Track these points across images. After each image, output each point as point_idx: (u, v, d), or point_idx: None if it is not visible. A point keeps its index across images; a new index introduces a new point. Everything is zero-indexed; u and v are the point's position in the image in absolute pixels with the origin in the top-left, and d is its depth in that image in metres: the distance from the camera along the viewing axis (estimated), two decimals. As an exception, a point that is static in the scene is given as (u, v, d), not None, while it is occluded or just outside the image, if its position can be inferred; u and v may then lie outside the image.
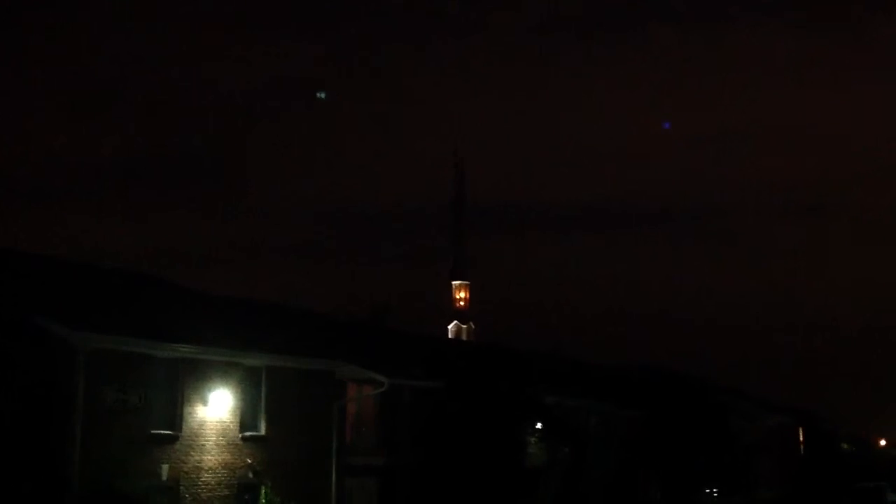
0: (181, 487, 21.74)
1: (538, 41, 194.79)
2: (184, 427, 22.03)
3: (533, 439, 32.34)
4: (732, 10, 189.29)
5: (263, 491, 23.62)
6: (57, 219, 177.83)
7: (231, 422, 23.26)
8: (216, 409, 22.79)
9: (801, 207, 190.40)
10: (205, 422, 22.55)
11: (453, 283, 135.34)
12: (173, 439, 21.76)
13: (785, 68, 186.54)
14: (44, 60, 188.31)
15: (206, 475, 22.45)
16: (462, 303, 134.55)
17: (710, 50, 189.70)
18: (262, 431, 24.22)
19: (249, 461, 23.55)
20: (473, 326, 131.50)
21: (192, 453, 22.18)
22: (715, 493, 43.46)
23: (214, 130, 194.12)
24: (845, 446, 65.09)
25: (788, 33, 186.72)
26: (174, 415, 21.92)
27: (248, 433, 23.74)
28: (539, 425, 32.76)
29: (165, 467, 21.41)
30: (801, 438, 59.51)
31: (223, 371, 23.13)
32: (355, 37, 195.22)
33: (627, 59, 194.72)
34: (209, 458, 22.57)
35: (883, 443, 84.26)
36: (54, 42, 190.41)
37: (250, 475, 23.51)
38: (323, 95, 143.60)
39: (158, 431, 21.45)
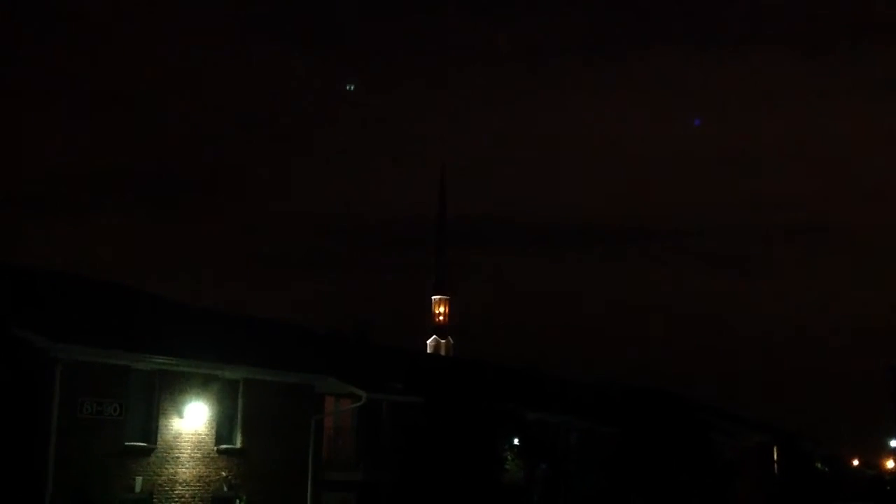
0: (155, 500, 21.58)
1: (532, 59, 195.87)
2: (159, 439, 21.89)
3: (510, 456, 32.28)
4: (734, 35, 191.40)
5: (238, 504, 23.47)
6: (44, 229, 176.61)
7: (207, 434, 23.12)
8: (192, 421, 22.65)
9: (792, 228, 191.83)
10: (180, 434, 22.40)
11: (433, 297, 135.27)
12: (148, 451, 21.60)
13: (784, 92, 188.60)
14: (40, 68, 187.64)
15: (180, 488, 22.28)
16: (441, 317, 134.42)
17: (708, 73, 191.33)
18: (238, 444, 24.08)
19: (225, 474, 23.39)
20: (452, 341, 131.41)
21: (167, 466, 22.02)
22: None
23: (192, 144, 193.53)
24: (820, 466, 65.36)
25: (788, 58, 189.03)
26: (150, 427, 21.78)
27: (223, 446, 23.60)
28: (517, 441, 32.71)
29: (140, 479, 21.24)
30: (776, 458, 59.71)
31: (200, 383, 23.01)
32: (350, 51, 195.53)
33: (624, 80, 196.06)
34: (184, 470, 22.41)
35: (856, 463, 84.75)
36: (51, 50, 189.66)
37: (225, 489, 23.35)
38: (352, 87, 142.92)
39: (133, 443, 21.30)
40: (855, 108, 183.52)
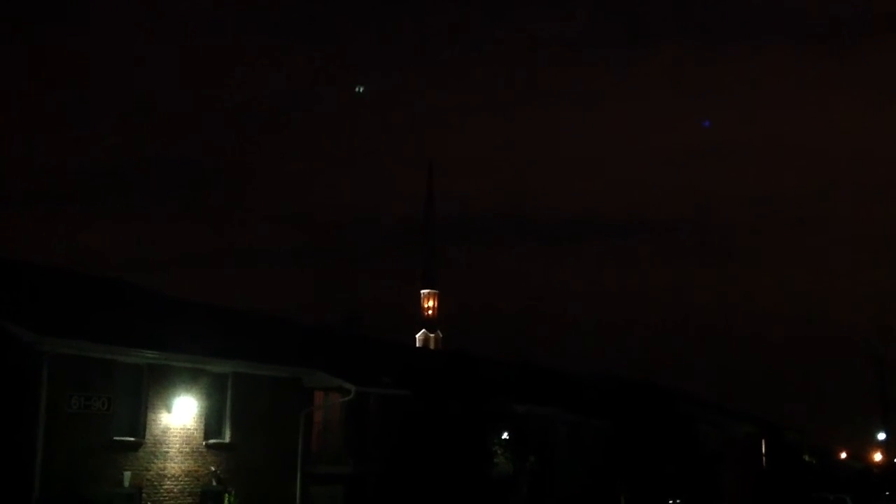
0: (143, 495, 21.54)
1: (525, 56, 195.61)
2: (147, 434, 21.84)
3: (499, 449, 32.35)
4: (734, 31, 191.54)
5: (227, 499, 23.45)
6: (40, 223, 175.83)
7: (195, 429, 23.08)
8: (180, 415, 22.61)
9: (784, 219, 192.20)
10: (169, 428, 22.35)
11: (422, 291, 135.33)
12: (137, 446, 21.55)
13: (775, 85, 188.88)
14: (43, 66, 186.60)
15: (169, 482, 22.25)
16: (430, 311, 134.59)
17: (708, 69, 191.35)
18: (227, 439, 24.05)
19: (213, 469, 23.36)
20: (441, 335, 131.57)
21: (156, 460, 21.98)
22: (678, 503, 43.70)
23: (187, 139, 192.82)
24: (807, 458, 65.72)
25: (781, 52, 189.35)
26: (138, 421, 21.73)
27: (212, 440, 23.57)
28: (507, 434, 32.79)
29: (128, 474, 21.20)
30: (764, 449, 60.02)
31: (188, 377, 22.96)
32: (343, 51, 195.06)
33: (623, 76, 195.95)
34: (172, 465, 22.37)
35: (844, 455, 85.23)
36: (54, 49, 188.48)
37: (214, 483, 23.33)
38: (361, 90, 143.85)
39: (122, 438, 21.25)
40: (855, 103, 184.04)
